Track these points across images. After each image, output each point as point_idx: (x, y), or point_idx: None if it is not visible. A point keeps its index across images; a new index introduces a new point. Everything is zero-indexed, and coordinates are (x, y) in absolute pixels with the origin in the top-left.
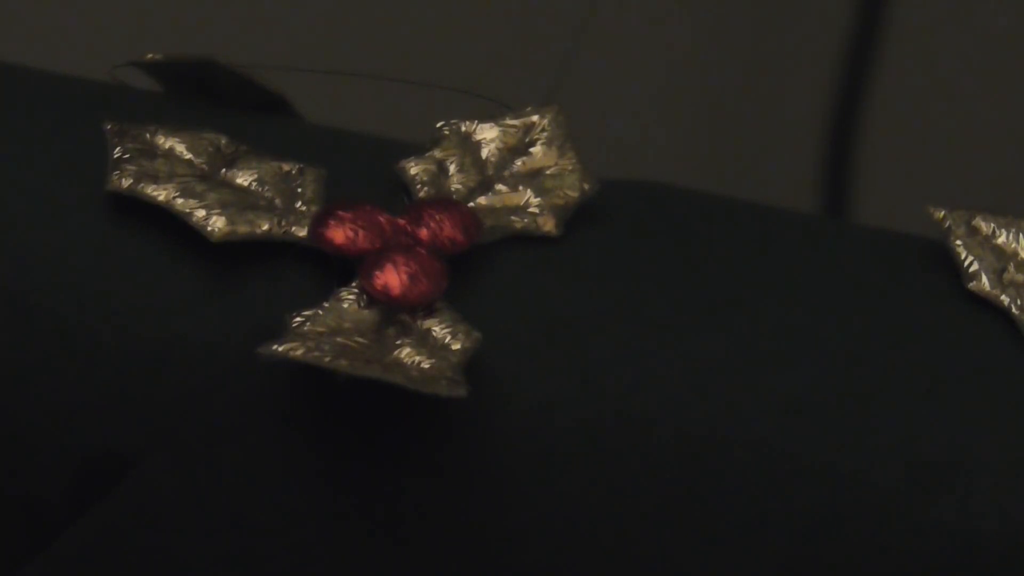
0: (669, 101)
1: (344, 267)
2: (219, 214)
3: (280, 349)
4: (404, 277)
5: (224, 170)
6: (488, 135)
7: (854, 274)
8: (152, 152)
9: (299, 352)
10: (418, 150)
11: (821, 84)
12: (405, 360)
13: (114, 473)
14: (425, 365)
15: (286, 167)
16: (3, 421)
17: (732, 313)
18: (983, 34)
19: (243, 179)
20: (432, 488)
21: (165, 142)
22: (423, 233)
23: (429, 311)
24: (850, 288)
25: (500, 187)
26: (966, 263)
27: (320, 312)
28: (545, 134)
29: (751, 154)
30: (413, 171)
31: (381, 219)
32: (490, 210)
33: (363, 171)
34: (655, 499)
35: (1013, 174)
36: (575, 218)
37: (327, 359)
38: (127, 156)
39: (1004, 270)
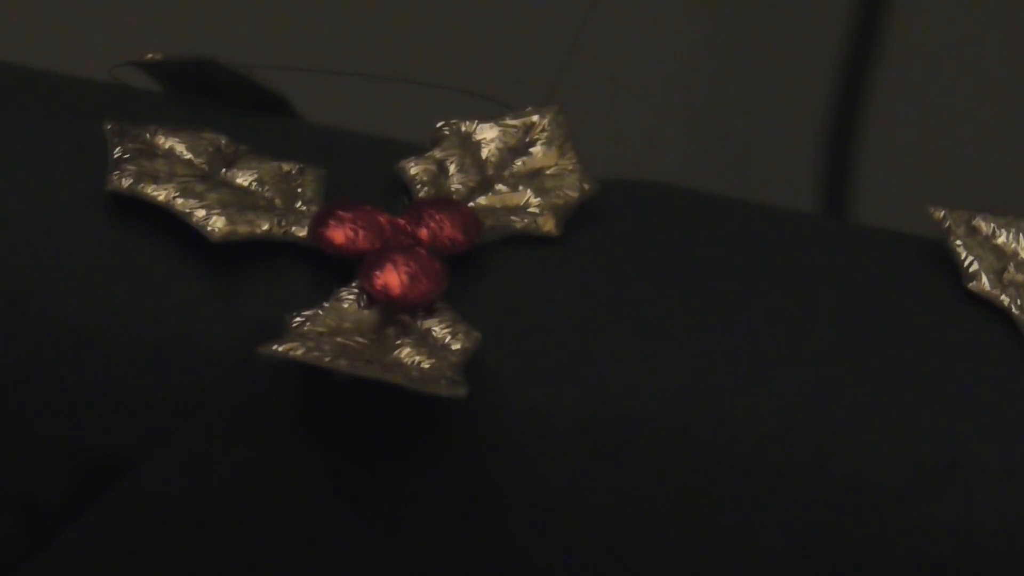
0: (669, 101)
1: (344, 267)
2: (219, 214)
3: (280, 349)
4: (404, 277)
5: (224, 170)
6: (488, 135)
7: (854, 274)
8: (152, 152)
9: (299, 352)
10: (418, 150)
11: (821, 84)
12: (405, 360)
13: (114, 473)
14: (425, 365)
15: (286, 167)
16: (3, 421)
17: (732, 313)
18: (983, 34)
19: (243, 179)
20: (432, 488)
21: (165, 142)
22: (423, 233)
23: (429, 311)
24: (850, 288)
25: (500, 187)
26: (966, 263)
27: (320, 312)
28: (545, 134)
29: (751, 154)
30: (413, 171)
31: (381, 219)
32: (490, 210)
33: (363, 171)
34: (654, 499)
35: (1013, 174)
36: (575, 218)
37: (327, 359)
38: (127, 156)
39: (1004, 270)
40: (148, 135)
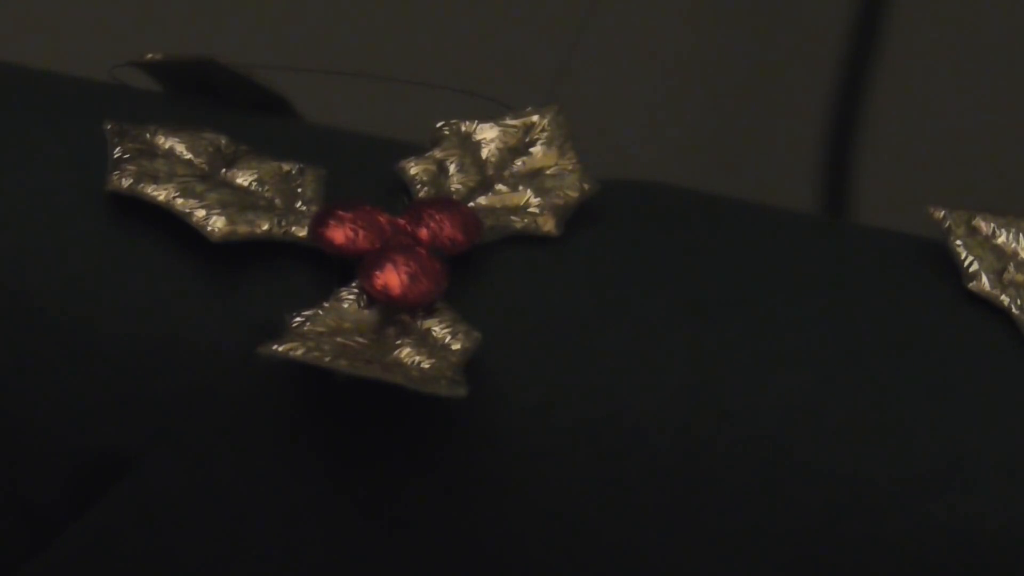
0: (669, 101)
1: (344, 267)
2: (219, 214)
3: (280, 349)
4: (404, 277)
5: (224, 170)
6: (488, 135)
7: (854, 274)
8: (152, 152)
9: (299, 352)
10: (418, 150)
11: (821, 84)
12: (405, 360)
13: (114, 473)
14: (425, 365)
15: (286, 167)
16: (3, 421)
17: (732, 313)
18: (983, 34)
19: (243, 179)
20: (431, 488)
21: (165, 142)
22: (423, 233)
23: (429, 311)
24: (850, 288)
25: (500, 187)
26: (966, 263)
27: (320, 312)
28: (545, 134)
29: (751, 154)
30: (413, 171)
31: (381, 219)
32: (490, 210)
33: (363, 171)
34: (654, 499)
35: (1013, 174)
36: (575, 218)
37: (327, 359)
38: (127, 156)
39: (1004, 270)
40: (148, 135)
